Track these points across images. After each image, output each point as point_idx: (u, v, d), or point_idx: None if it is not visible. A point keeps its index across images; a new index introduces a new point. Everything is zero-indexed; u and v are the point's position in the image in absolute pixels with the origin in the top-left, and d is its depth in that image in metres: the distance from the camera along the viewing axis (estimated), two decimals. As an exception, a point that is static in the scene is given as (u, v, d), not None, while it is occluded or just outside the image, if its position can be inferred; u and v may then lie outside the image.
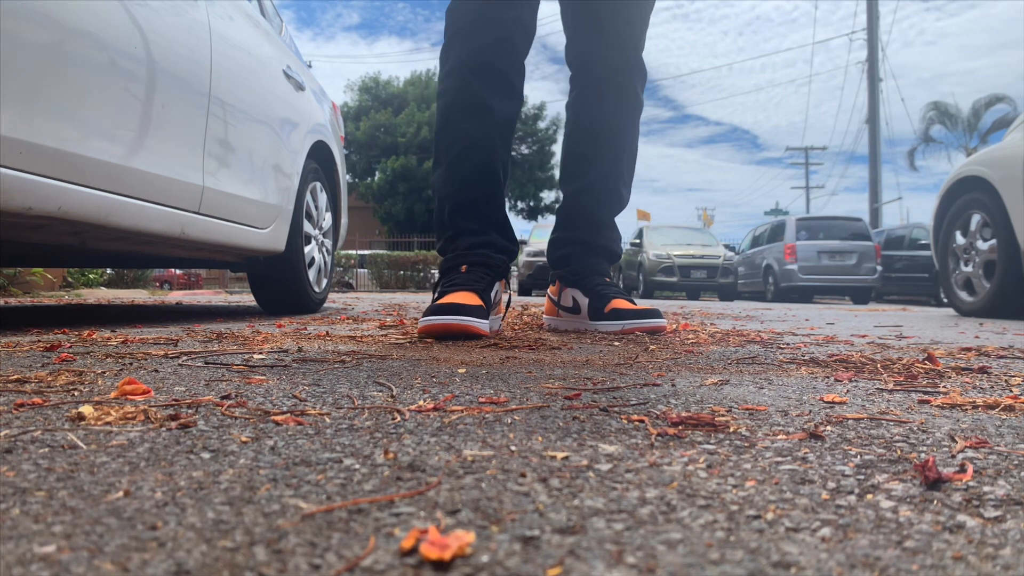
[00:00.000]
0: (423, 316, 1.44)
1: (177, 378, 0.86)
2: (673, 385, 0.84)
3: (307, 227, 2.83)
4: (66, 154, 1.47)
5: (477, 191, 1.70)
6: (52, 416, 0.61)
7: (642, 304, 1.86)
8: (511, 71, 1.71)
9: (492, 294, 1.62)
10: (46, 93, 1.42)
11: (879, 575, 0.30)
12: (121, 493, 0.40)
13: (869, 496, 0.41)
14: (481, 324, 1.43)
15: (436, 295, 1.56)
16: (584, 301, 1.84)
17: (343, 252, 15.71)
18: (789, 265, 10.89)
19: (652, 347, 1.39)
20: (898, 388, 0.84)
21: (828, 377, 0.95)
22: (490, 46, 1.67)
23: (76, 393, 0.74)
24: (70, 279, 7.28)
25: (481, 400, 0.71)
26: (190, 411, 0.64)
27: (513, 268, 2.59)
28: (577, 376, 0.93)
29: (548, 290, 1.99)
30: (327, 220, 3.14)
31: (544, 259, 12.57)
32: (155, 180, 1.78)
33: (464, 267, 1.61)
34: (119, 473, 0.44)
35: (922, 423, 0.63)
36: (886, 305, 9.18)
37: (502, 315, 1.80)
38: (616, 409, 0.67)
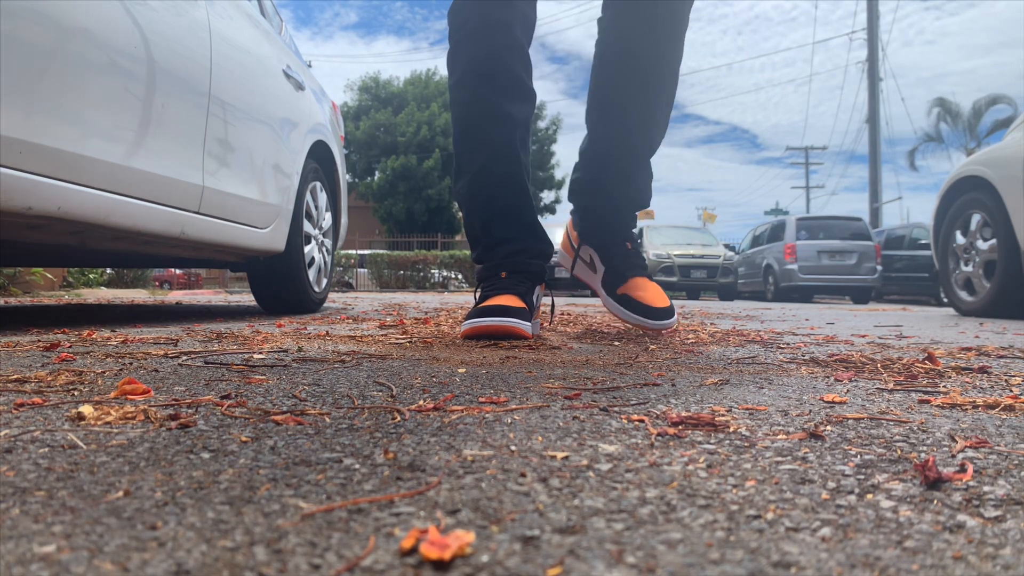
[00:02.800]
0: (467, 319, 1.46)
1: (177, 378, 0.86)
2: (673, 385, 0.84)
3: (307, 227, 2.83)
4: (66, 154, 1.47)
5: (506, 200, 1.66)
6: (52, 416, 0.61)
7: (656, 295, 1.67)
8: (521, 70, 1.64)
9: (533, 297, 1.62)
10: (46, 93, 1.42)
11: (879, 575, 0.30)
12: (121, 493, 0.40)
13: (869, 496, 0.41)
14: (526, 326, 1.45)
15: (478, 299, 1.57)
16: (600, 269, 1.77)
17: (343, 252, 15.71)
18: (789, 265, 10.89)
19: (652, 347, 1.39)
20: (898, 388, 0.84)
21: (828, 377, 0.95)
22: (498, 50, 1.60)
23: (76, 393, 0.74)
24: (70, 279, 7.28)
25: (481, 400, 0.71)
26: (190, 411, 0.64)
27: None
28: (577, 376, 0.93)
29: (567, 225, 1.89)
30: (327, 220, 3.14)
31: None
32: (155, 180, 1.78)
33: (504, 274, 1.61)
34: (119, 473, 0.44)
35: (922, 423, 0.63)
36: (886, 305, 9.18)
37: (541, 320, 1.82)
38: (616, 409, 0.67)
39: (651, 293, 1.64)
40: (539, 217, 1.78)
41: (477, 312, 1.46)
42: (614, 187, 1.74)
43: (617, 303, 1.69)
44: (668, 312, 1.63)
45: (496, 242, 1.67)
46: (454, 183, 1.74)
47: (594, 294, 1.82)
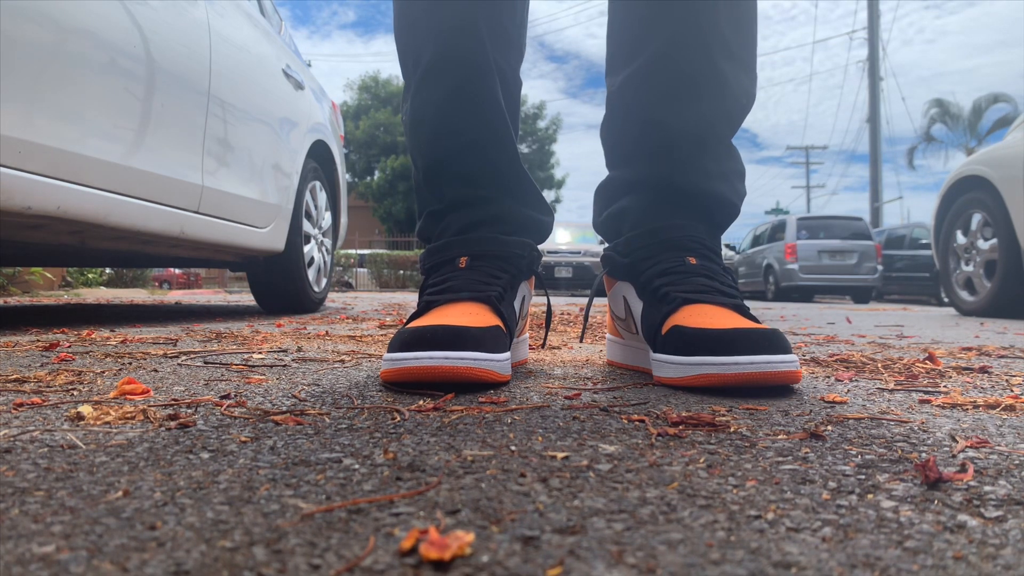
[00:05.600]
0: (389, 349, 0.79)
1: (176, 378, 0.86)
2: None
3: (307, 226, 2.83)
4: (66, 153, 1.47)
5: (469, 131, 0.97)
6: (51, 416, 0.61)
7: (728, 317, 0.83)
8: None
9: (516, 303, 0.95)
10: (46, 92, 1.42)
11: (880, 575, 0.30)
12: (120, 493, 0.40)
13: (870, 496, 0.41)
14: (494, 363, 0.77)
15: (418, 308, 0.89)
16: (638, 308, 0.95)
17: (343, 251, 15.70)
18: (790, 264, 10.89)
19: (652, 346, 1.38)
20: (899, 388, 0.84)
21: (829, 376, 0.95)
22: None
23: (75, 393, 0.74)
24: (69, 279, 7.28)
25: (481, 400, 0.71)
26: (189, 411, 0.64)
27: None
28: (577, 376, 0.92)
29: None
30: (327, 219, 3.14)
31: (544, 258, 12.43)
32: (154, 179, 1.78)
33: (463, 260, 0.93)
34: (118, 473, 0.44)
35: (923, 423, 0.63)
36: (887, 304, 9.18)
37: (530, 335, 1.09)
38: (616, 409, 0.67)
39: (720, 314, 0.83)
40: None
41: (406, 340, 0.77)
42: (659, 169, 0.98)
43: (665, 350, 0.84)
44: (773, 339, 0.77)
45: (451, 203, 0.99)
46: (401, 108, 1.06)
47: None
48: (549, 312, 1.05)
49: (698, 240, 0.95)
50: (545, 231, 1.05)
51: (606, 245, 1.05)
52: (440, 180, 0.99)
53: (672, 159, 0.96)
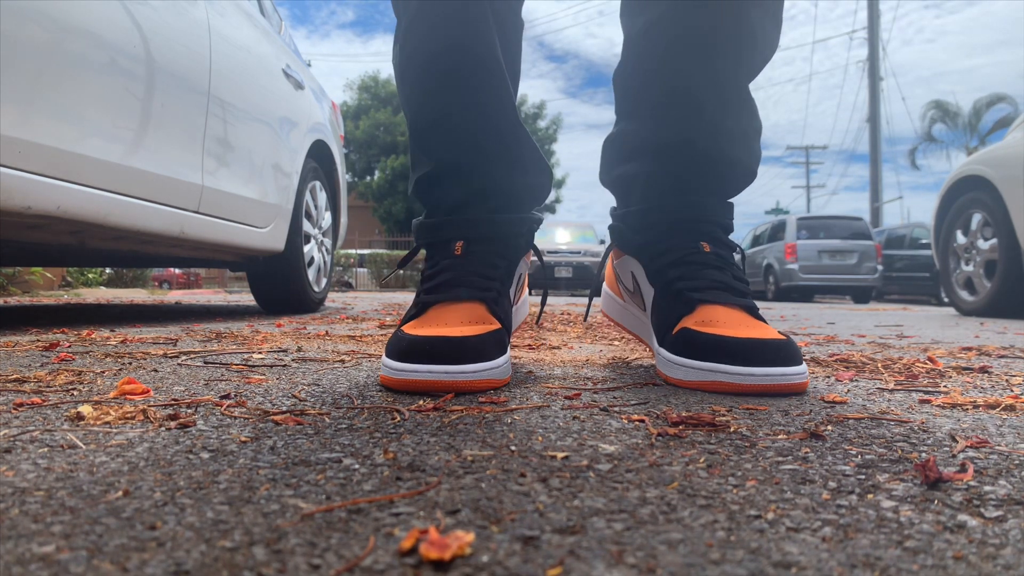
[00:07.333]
0: (388, 354, 0.78)
1: (176, 378, 0.86)
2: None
3: (306, 226, 2.83)
4: (65, 153, 1.47)
5: (461, 91, 0.89)
6: (51, 416, 0.61)
7: (743, 322, 0.82)
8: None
9: (512, 288, 0.92)
10: (45, 92, 1.42)
11: (880, 575, 0.30)
12: (120, 493, 0.40)
13: (870, 496, 0.41)
14: (495, 371, 0.77)
15: (415, 307, 0.86)
16: (648, 293, 0.93)
17: (343, 251, 15.70)
18: (790, 264, 10.89)
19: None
20: (899, 388, 0.84)
21: (829, 376, 0.95)
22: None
23: (75, 393, 0.74)
24: (69, 278, 7.28)
25: (481, 400, 0.71)
26: (189, 411, 0.64)
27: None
28: (577, 376, 0.92)
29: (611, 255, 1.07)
30: (326, 219, 3.14)
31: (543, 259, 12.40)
32: (154, 179, 1.78)
33: (459, 245, 0.88)
34: (118, 473, 0.44)
35: (923, 423, 0.63)
36: (887, 304, 9.18)
37: (527, 313, 1.06)
38: (616, 409, 0.67)
39: (734, 319, 0.82)
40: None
41: (404, 349, 0.75)
42: (676, 132, 0.90)
43: (674, 350, 0.84)
44: (784, 350, 0.77)
45: (443, 171, 0.93)
46: (393, 46, 0.96)
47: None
48: (544, 298, 1.06)
49: (711, 220, 0.90)
50: (543, 193, 0.98)
51: (606, 244, 1.04)
52: (431, 139, 0.92)
53: (694, 119, 0.89)
